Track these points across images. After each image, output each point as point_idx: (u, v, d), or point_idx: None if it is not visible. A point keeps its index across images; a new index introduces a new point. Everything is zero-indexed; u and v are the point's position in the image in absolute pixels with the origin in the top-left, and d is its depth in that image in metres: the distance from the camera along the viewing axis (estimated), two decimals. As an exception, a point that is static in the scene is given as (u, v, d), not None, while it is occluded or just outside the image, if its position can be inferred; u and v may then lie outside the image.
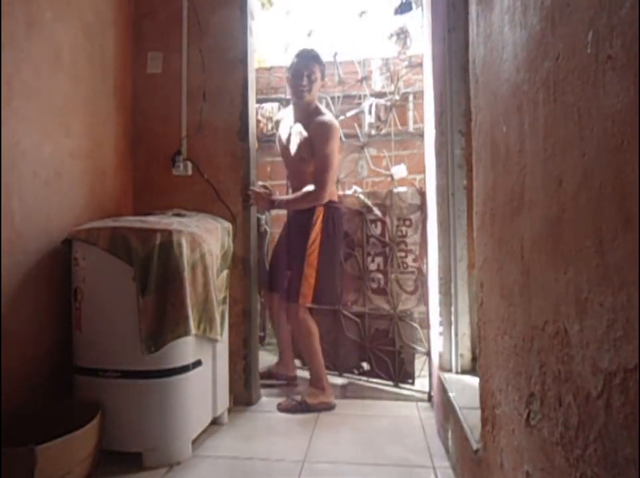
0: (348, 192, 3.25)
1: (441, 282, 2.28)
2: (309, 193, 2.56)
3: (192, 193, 2.63)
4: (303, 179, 2.66)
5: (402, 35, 3.21)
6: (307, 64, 2.65)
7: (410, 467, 1.95)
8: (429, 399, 2.67)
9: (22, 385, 1.86)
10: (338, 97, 3.39)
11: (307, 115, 2.67)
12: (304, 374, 3.01)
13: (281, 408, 2.57)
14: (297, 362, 3.17)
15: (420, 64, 2.84)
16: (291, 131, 2.72)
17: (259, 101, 3.45)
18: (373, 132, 3.34)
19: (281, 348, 3.04)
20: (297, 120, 2.73)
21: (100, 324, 1.97)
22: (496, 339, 1.21)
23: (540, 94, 0.87)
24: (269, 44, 3.52)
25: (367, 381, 3.01)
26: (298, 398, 2.62)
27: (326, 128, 2.57)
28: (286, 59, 3.12)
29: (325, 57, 3.38)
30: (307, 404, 2.55)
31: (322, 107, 2.75)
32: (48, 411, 1.87)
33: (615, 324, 0.61)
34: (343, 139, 3.33)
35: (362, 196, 3.08)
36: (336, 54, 3.34)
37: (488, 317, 1.33)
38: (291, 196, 2.60)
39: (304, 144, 2.62)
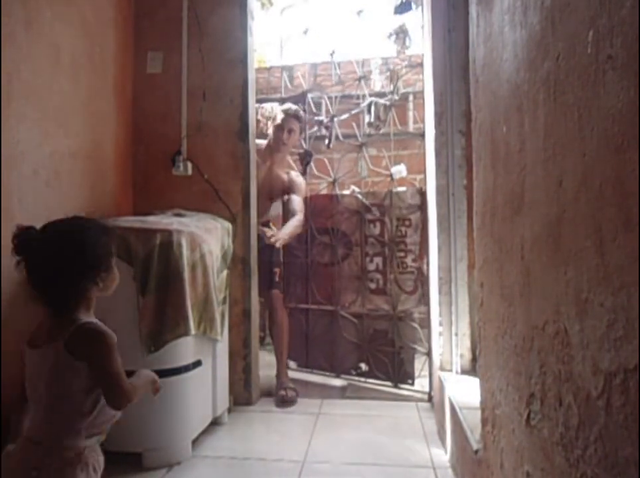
0: (346, 192, 3.24)
1: (441, 282, 2.28)
2: (298, 226, 3.03)
3: (192, 193, 2.63)
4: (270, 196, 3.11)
5: (401, 34, 3.22)
6: (289, 121, 3.03)
7: (410, 467, 1.95)
8: (429, 399, 2.67)
9: (22, 385, 1.86)
10: (336, 97, 3.37)
11: (280, 163, 3.11)
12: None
13: (287, 400, 2.65)
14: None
15: (420, 64, 2.84)
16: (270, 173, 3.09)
17: (259, 101, 3.44)
18: (372, 131, 3.31)
19: None
20: (270, 162, 3.07)
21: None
22: (497, 339, 1.21)
23: (540, 94, 0.87)
24: (269, 44, 3.52)
25: (365, 382, 2.99)
26: (291, 385, 2.77)
27: (302, 185, 3.13)
28: (282, 59, 3.18)
29: (322, 57, 3.37)
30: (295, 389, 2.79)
31: (291, 161, 3.31)
32: (48, 411, 1.86)
33: (615, 325, 0.60)
34: (341, 138, 3.32)
35: (360, 196, 3.08)
36: (333, 52, 3.31)
37: (488, 316, 1.33)
38: (288, 231, 2.97)
39: (280, 188, 3.09)
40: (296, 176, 3.15)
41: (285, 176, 3.09)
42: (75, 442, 1.06)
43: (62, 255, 1.10)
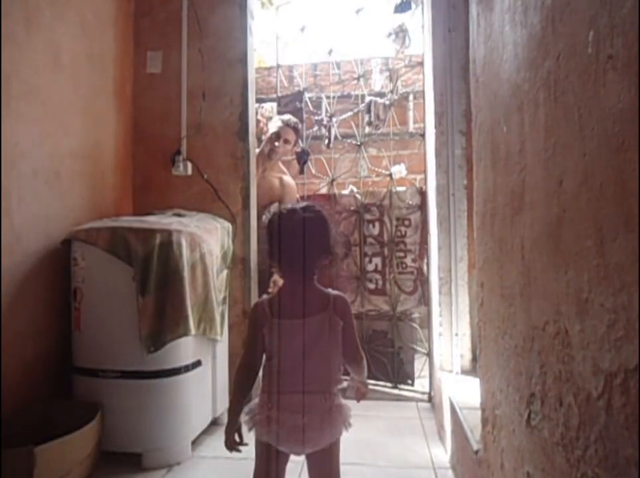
0: (345, 191, 3.23)
1: (441, 282, 2.28)
2: None
3: (192, 193, 2.63)
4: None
5: (401, 34, 3.21)
6: (286, 132, 3.03)
7: (410, 467, 1.95)
8: (430, 399, 2.67)
9: (22, 385, 1.86)
10: (334, 97, 3.35)
11: (272, 169, 3.10)
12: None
13: None
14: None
15: (420, 64, 2.84)
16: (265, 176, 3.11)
17: (259, 101, 3.44)
18: (370, 130, 3.28)
19: None
20: (263, 169, 3.06)
21: (100, 324, 1.96)
22: (497, 339, 1.21)
23: (540, 94, 0.86)
24: (268, 44, 3.52)
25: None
26: None
27: (293, 188, 3.12)
28: (280, 58, 3.22)
29: (321, 56, 3.35)
30: None
31: (282, 166, 3.21)
32: (48, 411, 1.86)
33: (615, 325, 0.60)
34: (339, 137, 3.30)
35: (358, 196, 3.07)
36: (331, 50, 3.28)
37: (488, 317, 1.33)
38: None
39: (274, 194, 3.04)
40: (287, 179, 3.14)
41: (276, 181, 3.08)
42: (337, 389, 1.35)
43: (326, 236, 1.29)
